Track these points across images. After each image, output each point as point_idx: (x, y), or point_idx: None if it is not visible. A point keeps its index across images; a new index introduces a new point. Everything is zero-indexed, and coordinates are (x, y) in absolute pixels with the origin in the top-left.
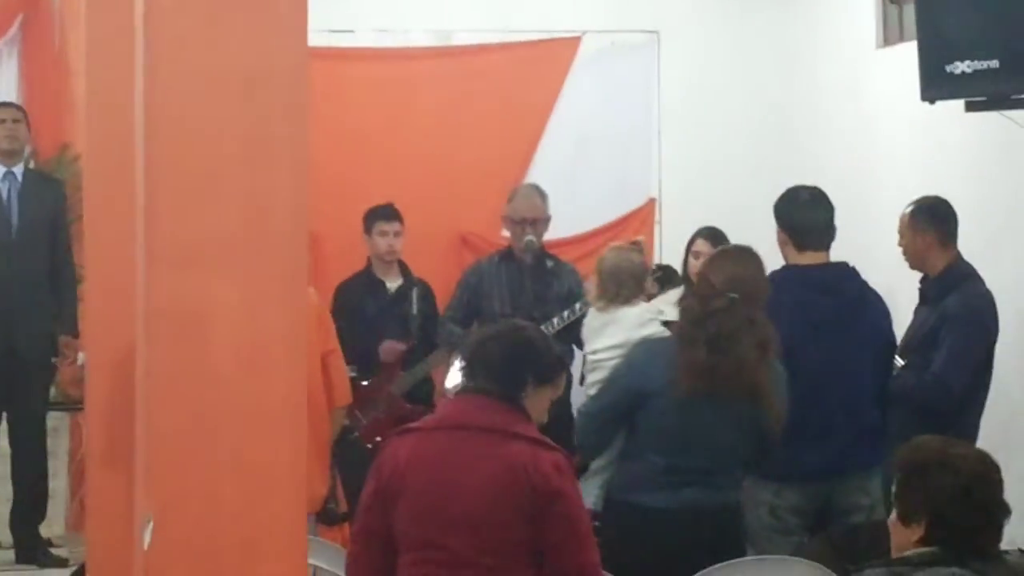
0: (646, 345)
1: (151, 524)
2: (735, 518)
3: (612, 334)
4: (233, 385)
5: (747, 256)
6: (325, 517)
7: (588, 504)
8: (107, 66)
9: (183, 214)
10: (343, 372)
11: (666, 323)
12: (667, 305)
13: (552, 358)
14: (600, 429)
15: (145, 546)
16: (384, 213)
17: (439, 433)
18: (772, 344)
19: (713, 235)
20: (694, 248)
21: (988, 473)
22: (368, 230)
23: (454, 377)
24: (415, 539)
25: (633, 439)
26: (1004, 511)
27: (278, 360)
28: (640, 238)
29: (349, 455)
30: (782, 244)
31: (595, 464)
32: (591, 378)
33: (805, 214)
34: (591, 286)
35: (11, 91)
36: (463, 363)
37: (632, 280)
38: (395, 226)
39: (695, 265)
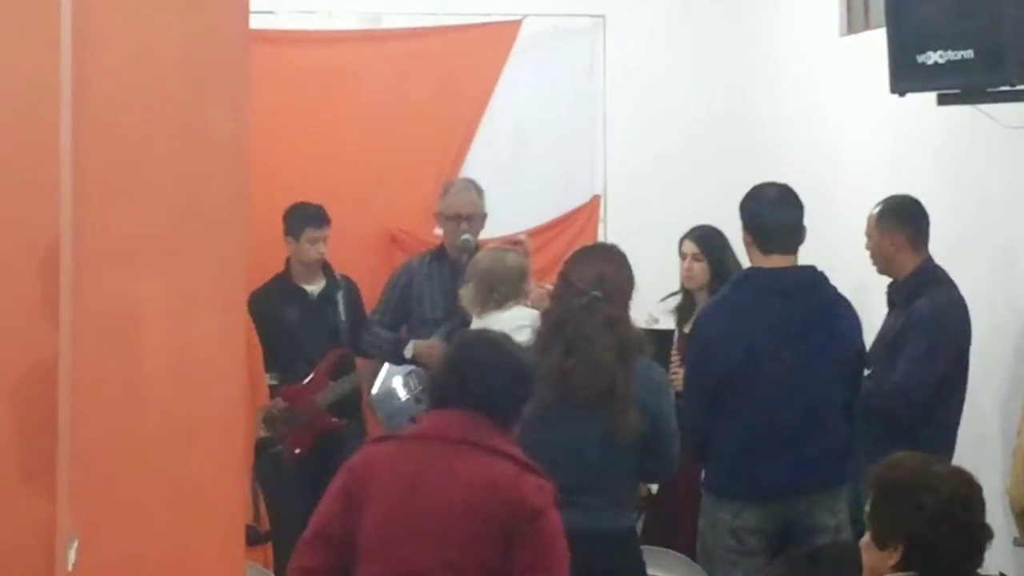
0: None
1: (76, 544)
2: (623, 546)
3: None
4: (164, 393)
5: (611, 253)
6: (248, 537)
7: None
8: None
9: (110, 206)
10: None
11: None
12: (663, 313)
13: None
14: None
15: (69, 567)
16: (314, 217)
17: (420, 442)
18: (637, 346)
19: (703, 236)
20: (682, 249)
21: (971, 493)
22: (294, 234)
23: (387, 384)
24: (378, 548)
25: None
26: (987, 534)
27: (214, 367)
28: (523, 237)
29: (270, 469)
30: (747, 245)
31: None
32: None
33: (771, 214)
34: (466, 291)
35: None
36: (446, 373)
37: (504, 284)
38: (325, 231)
39: (684, 270)
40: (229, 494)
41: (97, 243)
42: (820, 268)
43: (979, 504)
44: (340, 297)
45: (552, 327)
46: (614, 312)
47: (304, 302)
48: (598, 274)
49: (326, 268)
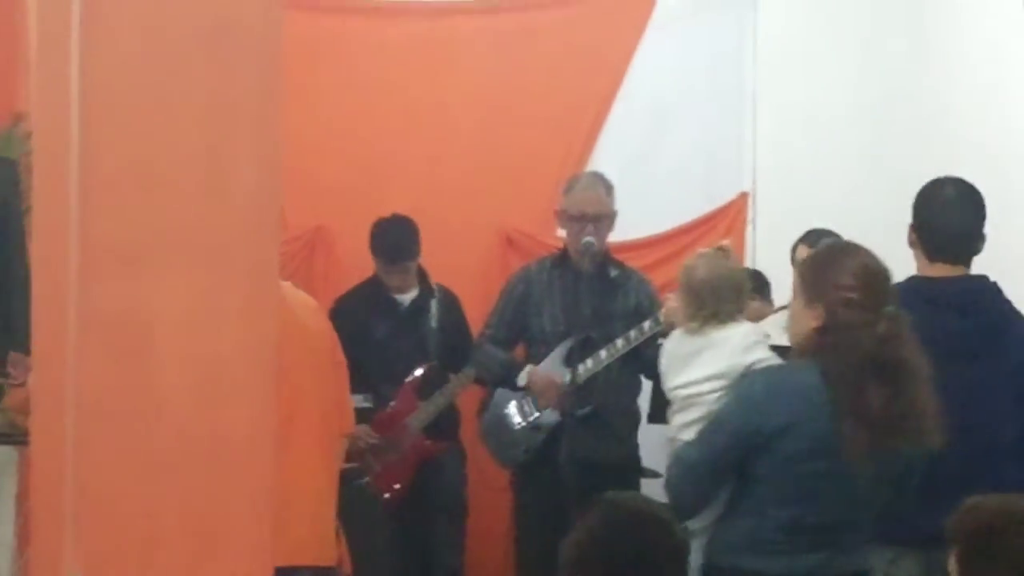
0: (762, 375)
1: None
2: None
3: (710, 361)
4: (183, 413)
5: (863, 248)
6: None
7: None
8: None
9: (122, 199)
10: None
11: (774, 348)
12: (774, 328)
13: None
14: (703, 482)
15: None
16: (396, 256)
17: None
18: None
19: (819, 239)
20: (797, 257)
21: None
22: (375, 258)
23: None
24: None
25: (746, 491)
26: None
27: (239, 382)
28: (726, 242)
29: (355, 506)
30: (912, 247)
31: (692, 525)
32: (682, 418)
33: (944, 215)
34: (674, 302)
35: None
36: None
37: (733, 295)
38: (407, 266)
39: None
40: (254, 525)
41: (107, 240)
42: (993, 277)
43: None
44: (433, 306)
45: (860, 359)
46: (909, 322)
47: (394, 313)
48: (868, 269)
49: (421, 274)
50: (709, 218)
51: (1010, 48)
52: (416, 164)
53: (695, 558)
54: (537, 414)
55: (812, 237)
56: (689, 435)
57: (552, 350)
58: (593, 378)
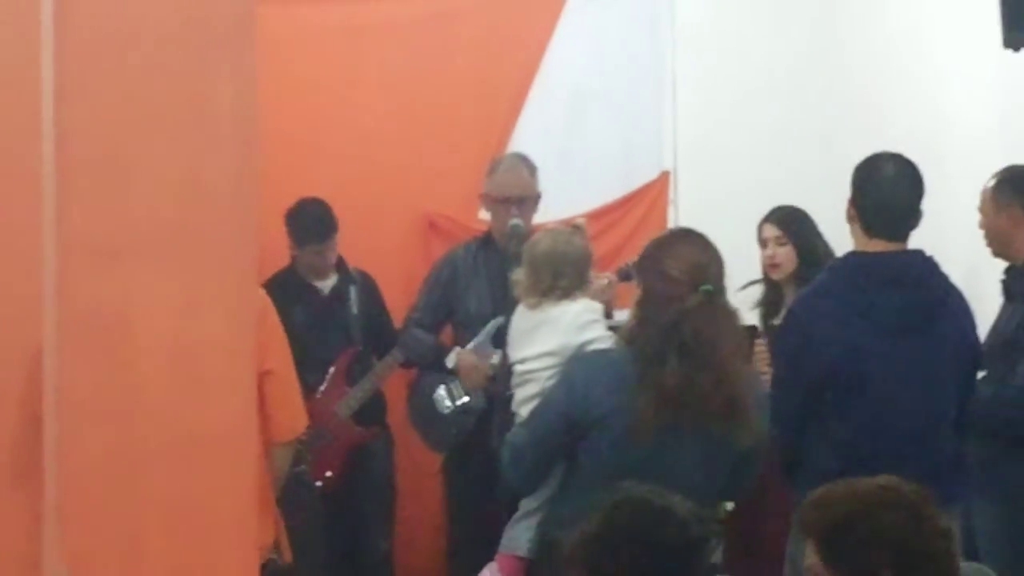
0: (587, 360)
1: None
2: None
3: (545, 338)
4: (163, 405)
5: (702, 239)
6: (268, 571)
7: (520, 552)
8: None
9: (99, 192)
10: (285, 399)
11: (612, 328)
12: (745, 307)
13: None
14: (531, 464)
15: None
16: (315, 233)
17: None
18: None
19: (786, 217)
20: (762, 235)
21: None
22: (296, 242)
23: (427, 392)
24: None
25: (574, 475)
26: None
27: (219, 374)
28: (581, 221)
29: (293, 494)
30: (850, 221)
31: (526, 504)
32: (520, 394)
33: (883, 191)
34: (520, 277)
35: None
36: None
37: (572, 269)
38: (331, 243)
39: (765, 256)
40: (239, 519)
41: (84, 234)
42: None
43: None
44: (353, 292)
45: (664, 331)
46: (732, 308)
47: (314, 300)
48: (696, 263)
49: (339, 261)
50: (631, 198)
51: (933, 19)
52: (334, 151)
53: (529, 538)
54: (466, 397)
55: (776, 214)
56: (526, 411)
57: (478, 332)
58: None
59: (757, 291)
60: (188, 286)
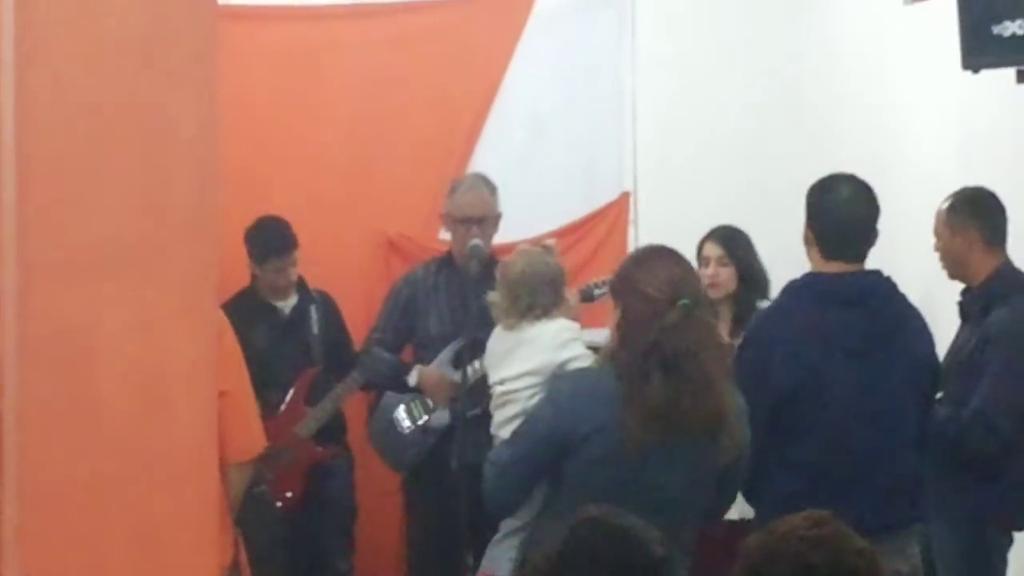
0: (571, 378)
1: None
2: None
3: (525, 358)
4: (125, 426)
5: (675, 254)
6: None
7: (501, 573)
8: None
9: (60, 211)
10: (242, 420)
11: (592, 348)
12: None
13: None
14: (515, 483)
15: None
16: (276, 249)
17: None
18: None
19: (727, 235)
20: (703, 253)
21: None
22: (257, 260)
23: (387, 413)
24: None
25: (558, 494)
26: None
27: (181, 394)
28: (551, 241)
29: (253, 512)
30: (806, 243)
31: (508, 524)
32: (500, 415)
33: (840, 214)
34: (495, 298)
35: None
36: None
37: (549, 289)
38: (292, 257)
39: (705, 275)
40: (198, 540)
41: (45, 253)
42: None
43: None
44: (314, 312)
45: (645, 350)
46: (712, 321)
47: (274, 321)
48: (671, 278)
49: (299, 281)
50: (591, 218)
51: (890, 41)
52: (294, 170)
53: (511, 557)
54: (426, 417)
55: (718, 233)
56: (507, 432)
57: (439, 352)
58: (483, 379)
59: None
60: (149, 305)
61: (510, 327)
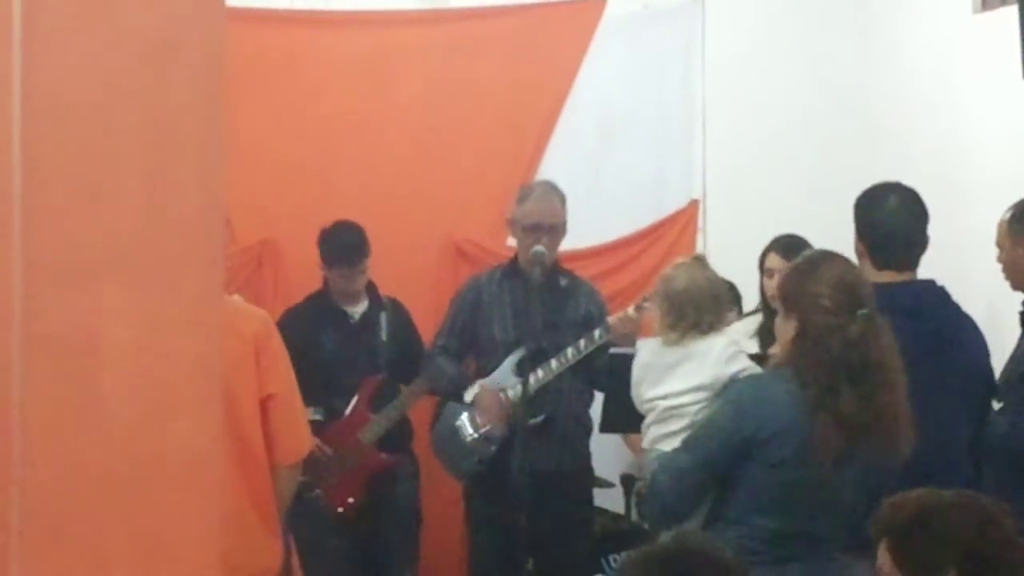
0: (750, 382)
1: None
2: None
3: (692, 372)
4: (129, 430)
5: (839, 258)
6: None
7: None
8: None
9: (66, 214)
10: (289, 422)
11: (751, 357)
12: (743, 336)
13: None
14: (694, 488)
15: None
16: (346, 259)
17: None
18: None
19: (790, 246)
20: (767, 265)
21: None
22: (328, 266)
23: (451, 420)
24: None
25: (730, 499)
26: None
27: (186, 398)
28: (701, 252)
29: (307, 516)
30: (858, 255)
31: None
32: (659, 429)
33: (889, 223)
34: (652, 309)
35: None
36: None
37: (713, 305)
38: (363, 265)
39: (770, 286)
40: (202, 544)
41: (50, 258)
42: (943, 284)
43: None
44: (383, 319)
45: (832, 365)
46: (887, 323)
47: (344, 325)
48: (843, 286)
49: (370, 288)
50: (659, 226)
51: (957, 49)
52: (364, 175)
53: None
54: (488, 426)
55: (781, 243)
56: (669, 446)
57: (503, 359)
58: (544, 388)
59: (754, 321)
60: (153, 309)
61: (671, 342)
